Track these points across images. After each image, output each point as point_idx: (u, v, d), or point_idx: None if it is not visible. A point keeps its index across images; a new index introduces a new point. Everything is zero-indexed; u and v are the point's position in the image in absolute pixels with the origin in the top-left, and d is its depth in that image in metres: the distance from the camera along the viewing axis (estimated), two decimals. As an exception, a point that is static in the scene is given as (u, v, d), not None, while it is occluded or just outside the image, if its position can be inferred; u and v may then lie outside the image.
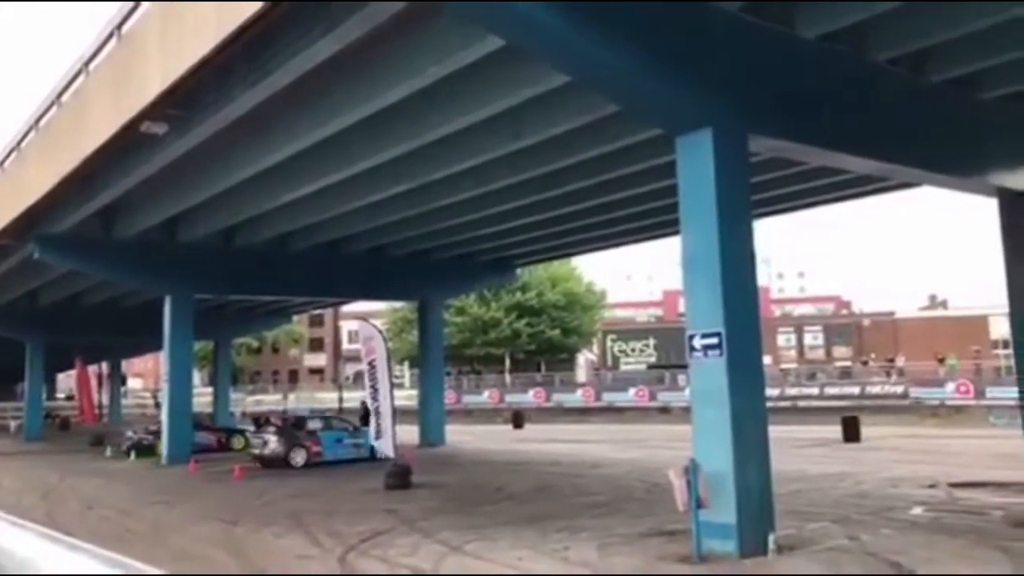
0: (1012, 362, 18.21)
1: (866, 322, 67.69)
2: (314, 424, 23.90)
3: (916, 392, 40.70)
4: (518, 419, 41.11)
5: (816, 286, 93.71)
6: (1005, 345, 39.33)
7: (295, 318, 58.16)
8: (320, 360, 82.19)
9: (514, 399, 50.22)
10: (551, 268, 57.43)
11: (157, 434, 26.86)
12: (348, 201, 20.27)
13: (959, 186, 15.73)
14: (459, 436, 31.72)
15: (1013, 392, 18.41)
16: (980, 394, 37.96)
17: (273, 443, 22.47)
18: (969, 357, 48.23)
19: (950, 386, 40.21)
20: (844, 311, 79.36)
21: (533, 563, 9.66)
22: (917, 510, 13.02)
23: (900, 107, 13.01)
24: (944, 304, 71.21)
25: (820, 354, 65.89)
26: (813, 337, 67.68)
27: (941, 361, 46.80)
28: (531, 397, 50.30)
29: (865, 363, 55.01)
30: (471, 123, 14.76)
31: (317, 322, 79.69)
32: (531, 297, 59.01)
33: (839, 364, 58.22)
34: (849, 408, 34.69)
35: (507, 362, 60.53)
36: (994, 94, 14.06)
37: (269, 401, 59.09)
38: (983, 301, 52.51)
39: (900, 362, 50.25)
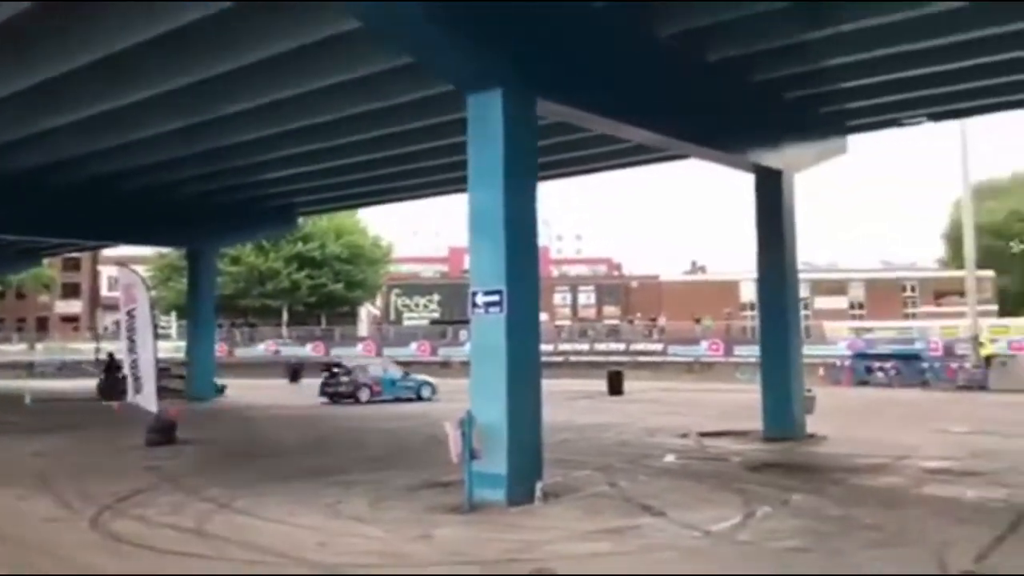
0: (757, 323, 20.15)
1: (634, 284, 72.20)
2: (375, 370, 28.97)
3: (674, 349, 44.16)
4: (295, 373, 40.16)
5: (591, 248, 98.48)
6: (752, 308, 43.60)
7: (46, 261, 52.81)
8: (75, 308, 75.45)
9: (291, 353, 48.98)
10: (336, 219, 56.13)
11: None
12: (119, 134, 18.56)
13: (723, 161, 17.06)
14: (232, 391, 30.52)
15: (757, 350, 20.48)
16: (729, 352, 41.84)
17: (344, 383, 27.78)
18: (722, 318, 52.91)
19: (704, 344, 43.99)
20: (615, 273, 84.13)
21: (304, 518, 9.51)
22: (670, 457, 14.17)
23: (677, 83, 13.83)
24: (703, 269, 77.31)
25: (592, 313, 69.60)
26: (586, 297, 71.31)
27: (698, 321, 50.96)
28: (309, 351, 49.30)
29: (631, 322, 58.80)
30: (257, 59, 13.94)
31: (72, 266, 72.85)
32: (313, 248, 57.42)
33: (608, 322, 61.86)
34: (616, 364, 37.06)
35: (285, 315, 58.77)
36: (760, 78, 15.30)
37: (13, 352, 53.46)
38: (737, 267, 57.58)
39: (662, 322, 54.20)
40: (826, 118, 17.91)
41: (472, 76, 10.74)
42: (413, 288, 71.73)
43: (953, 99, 17.17)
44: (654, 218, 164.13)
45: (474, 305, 10.63)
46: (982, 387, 30.33)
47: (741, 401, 23.00)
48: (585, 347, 46.96)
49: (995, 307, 59.04)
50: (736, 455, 14.39)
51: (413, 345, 49.01)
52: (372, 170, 22.54)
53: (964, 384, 30.91)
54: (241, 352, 49.94)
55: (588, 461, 13.49)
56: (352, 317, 63.01)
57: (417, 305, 69.27)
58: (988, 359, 32.77)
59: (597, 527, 9.06)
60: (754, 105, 15.81)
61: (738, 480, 11.97)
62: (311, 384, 35.92)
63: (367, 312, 68.56)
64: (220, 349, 39.18)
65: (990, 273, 59.59)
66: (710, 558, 7.95)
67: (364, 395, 27.29)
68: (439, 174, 22.85)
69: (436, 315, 65.91)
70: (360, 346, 50.12)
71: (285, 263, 56.98)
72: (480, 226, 10.74)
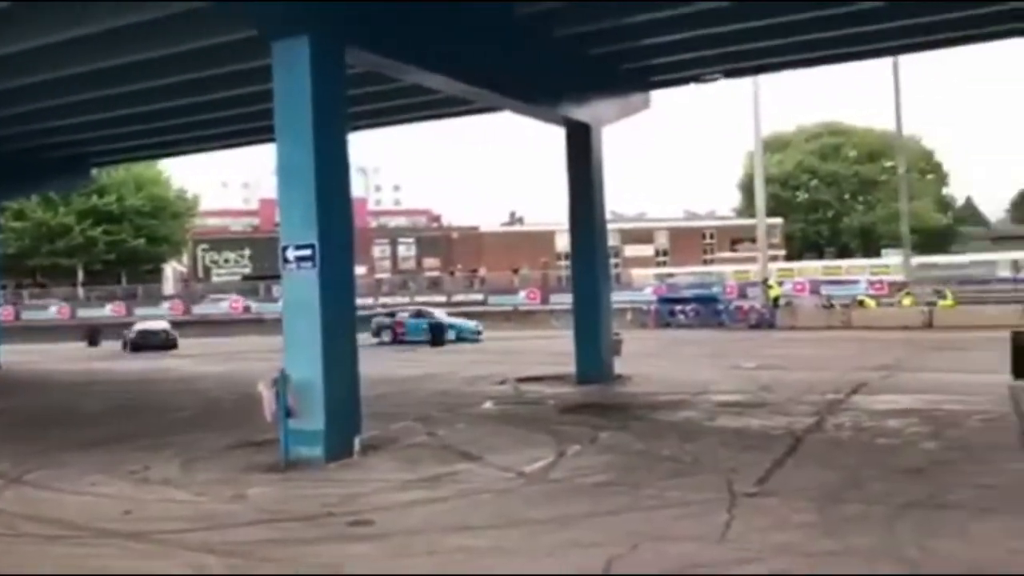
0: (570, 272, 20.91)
1: (455, 235, 72.69)
2: (402, 315, 33.41)
3: (494, 299, 45.04)
4: (93, 336, 37.57)
5: (411, 200, 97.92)
6: (567, 257, 45.10)
7: None
8: None
9: (89, 314, 45.70)
10: (135, 170, 52.44)
11: None
12: None
13: (534, 114, 17.41)
14: (20, 356, 28.16)
15: (570, 298, 21.28)
16: (546, 300, 43.21)
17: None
18: (539, 268, 54.43)
19: (522, 294, 45.15)
20: (435, 225, 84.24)
21: (108, 487, 9.04)
22: (488, 404, 14.58)
23: (485, 36, 13.88)
24: (521, 220, 78.94)
25: (412, 265, 69.52)
26: (406, 248, 71.04)
27: (516, 272, 52.17)
28: (109, 312, 46.21)
29: (452, 273, 59.30)
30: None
31: None
32: (110, 202, 53.48)
33: (429, 274, 62.06)
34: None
35: (80, 274, 54.61)
36: (565, 33, 15.64)
37: None
38: (553, 218, 59.26)
39: (482, 272, 55.05)
40: (629, 74, 18.62)
41: (277, 22, 10.31)
42: (222, 243, 68.60)
43: (746, 57, 18.30)
44: (474, 169, 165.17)
45: (285, 260, 10.36)
46: (771, 326, 33.06)
47: (557, 347, 23.81)
48: (406, 300, 46.92)
49: (783, 252, 64.39)
50: (551, 399, 15.01)
51: (224, 303, 47.04)
52: (172, 118, 21.14)
53: (755, 323, 33.55)
54: (29, 315, 46.00)
55: (408, 412, 13.61)
56: (156, 275, 59.51)
57: (227, 261, 66.39)
58: (775, 300, 35.76)
59: (415, 476, 9.22)
60: (561, 60, 16.17)
61: (552, 422, 12.52)
62: (112, 347, 33.77)
63: (173, 269, 64.96)
64: (5, 313, 35.93)
65: (779, 220, 64.76)
66: (523, 497, 8.30)
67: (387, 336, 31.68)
68: (246, 123, 21.77)
69: (247, 271, 63.52)
70: (166, 305, 47.51)
71: (78, 218, 52.78)
72: (289, 178, 10.44)
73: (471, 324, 32.89)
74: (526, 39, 14.90)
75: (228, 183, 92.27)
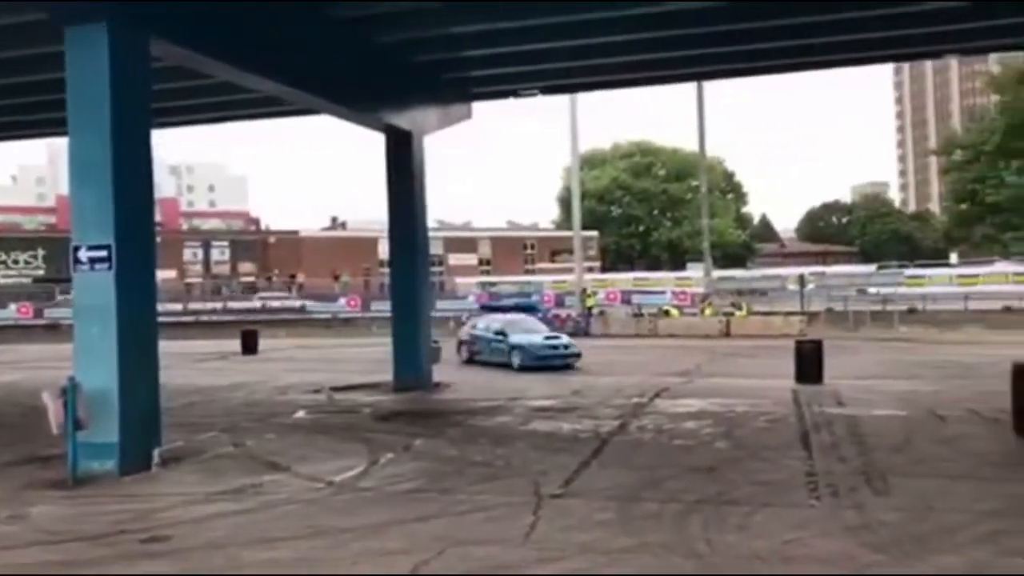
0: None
1: (272, 239, 70.33)
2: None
3: (313, 306, 43.96)
4: None
5: (227, 201, 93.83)
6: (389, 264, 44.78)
7: None
8: None
9: None
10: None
11: None
12: None
13: (354, 119, 17.19)
14: None
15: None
16: (367, 307, 42.63)
17: None
18: (361, 274, 53.71)
19: (342, 300, 44.35)
20: (252, 228, 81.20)
21: None
22: (301, 413, 14.21)
23: (304, 37, 13.56)
24: (344, 225, 77.57)
25: (226, 269, 66.60)
26: (220, 252, 67.89)
27: (337, 278, 51.22)
28: None
29: (269, 279, 57.37)
30: None
31: None
32: None
33: (245, 279, 59.70)
34: (252, 322, 35.95)
35: None
36: (387, 40, 15.56)
37: None
38: (377, 223, 58.65)
39: (301, 278, 53.63)
40: (451, 84, 18.79)
41: (71, 7, 9.62)
42: (12, 242, 62.85)
43: (563, 75, 18.96)
44: (296, 171, 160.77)
45: (77, 261, 9.67)
46: (586, 333, 34.25)
47: (376, 355, 23.55)
48: (219, 305, 44.91)
49: (599, 263, 67.10)
50: (367, 407, 14.84)
51: (12, 306, 43.10)
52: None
53: (571, 331, 34.62)
54: None
55: (214, 423, 13.03)
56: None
57: (17, 261, 60.89)
58: (590, 309, 37.15)
59: (218, 489, 8.84)
60: (383, 66, 16.08)
61: (366, 430, 12.39)
62: None
63: (-47, 269, 58.87)
64: None
65: (595, 233, 67.42)
66: (330, 507, 8.17)
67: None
68: (41, 112, 20.13)
69: (41, 272, 58.55)
70: (-57, 309, 42.94)
71: None
72: (83, 174, 9.76)
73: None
74: (347, 43, 14.70)
75: (19, 177, 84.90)
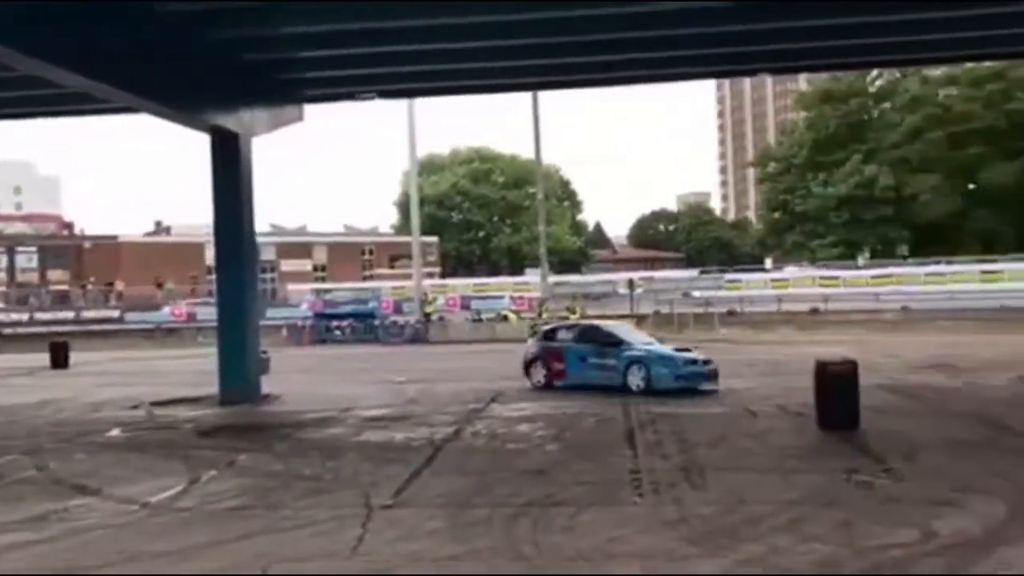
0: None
1: (88, 245, 65.62)
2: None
3: (133, 316, 41.39)
4: None
5: (36, 203, 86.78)
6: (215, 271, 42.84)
7: None
8: None
9: None
10: None
11: None
12: None
13: (176, 118, 16.35)
14: None
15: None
16: (192, 317, 40.57)
17: None
18: (187, 282, 51.11)
19: (166, 310, 42.02)
20: (65, 232, 75.51)
21: None
22: (115, 431, 13.32)
23: (120, 32, 12.70)
24: (168, 230, 73.55)
25: (35, 277, 61.49)
26: (27, 259, 62.62)
27: (160, 286, 48.48)
28: None
29: (84, 287, 53.55)
30: None
31: None
32: None
33: (56, 288, 55.34)
34: (64, 333, 33.38)
35: None
36: (214, 37, 14.88)
37: None
38: (203, 228, 55.94)
39: (120, 286, 50.38)
40: (283, 85, 18.27)
41: None
42: None
43: (400, 80, 18.85)
44: (116, 172, 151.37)
45: None
46: (424, 340, 34.17)
47: (202, 367, 22.47)
48: (25, 317, 41.48)
49: (439, 269, 67.13)
50: (189, 422, 14.11)
51: None
52: None
53: (410, 338, 34.49)
54: None
55: (15, 445, 12.00)
56: None
57: None
58: (428, 315, 37.08)
59: (16, 518, 8.13)
60: (208, 65, 15.38)
61: (187, 447, 11.78)
62: None
63: None
64: None
65: (435, 239, 67.42)
66: (144, 530, 7.69)
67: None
68: None
69: None
70: None
71: None
72: None
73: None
74: (168, 40, 13.93)
75: None
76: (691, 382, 15.70)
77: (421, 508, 8.32)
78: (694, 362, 16.14)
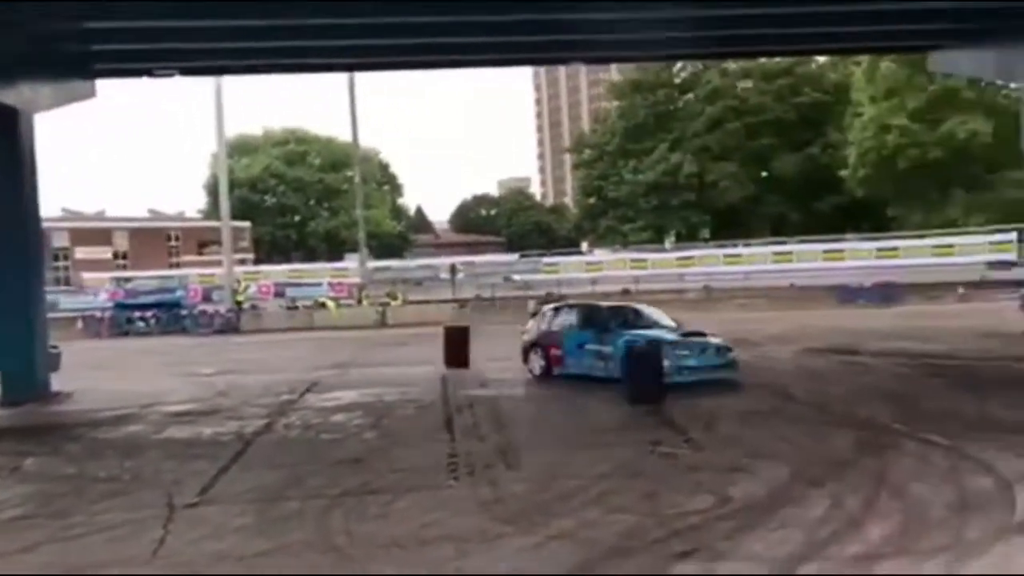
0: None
1: None
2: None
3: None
4: None
5: None
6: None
7: None
8: None
9: None
10: None
11: None
12: None
13: None
14: None
15: None
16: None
17: None
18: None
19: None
20: None
21: None
22: None
23: None
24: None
25: None
26: None
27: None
28: None
29: None
30: None
31: None
32: None
33: None
34: None
35: None
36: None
37: None
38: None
39: None
40: (70, 58, 16.78)
41: None
42: None
43: (202, 56, 17.81)
44: None
45: None
46: (236, 330, 32.78)
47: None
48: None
49: (252, 256, 64.53)
50: None
51: None
52: None
53: (220, 328, 32.97)
54: None
55: None
56: None
57: None
58: (240, 304, 35.61)
59: None
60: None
61: (-40, 454, 10.65)
62: None
63: None
64: None
65: (247, 224, 64.72)
66: (-96, 550, 6.87)
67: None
68: None
69: None
70: None
71: None
72: None
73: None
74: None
75: None
76: (716, 374, 13.48)
77: (229, 505, 7.96)
78: (716, 350, 13.85)
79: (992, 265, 33.65)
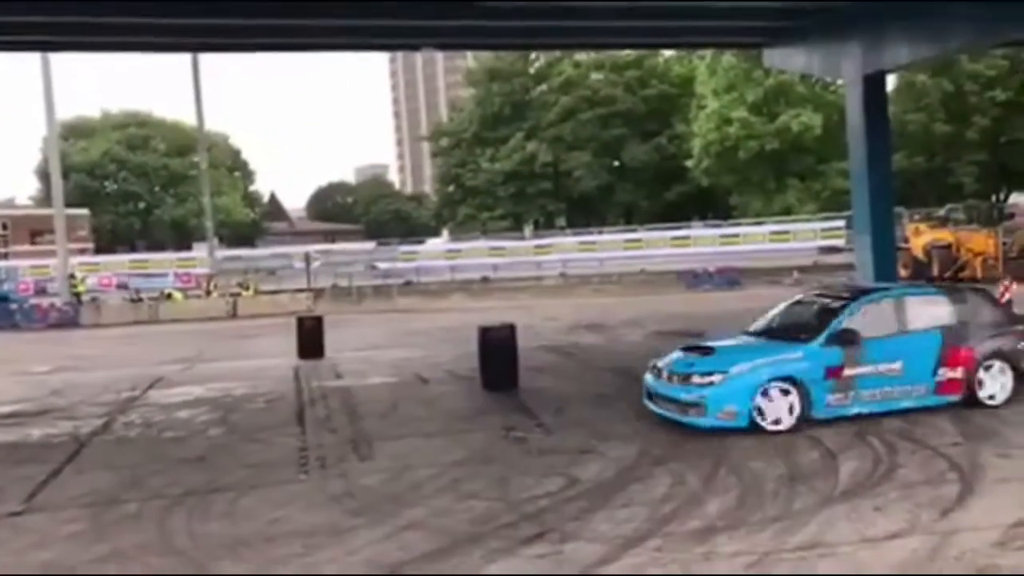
0: None
1: None
2: None
3: None
4: None
5: None
6: None
7: None
8: None
9: None
10: None
11: None
12: None
13: None
14: None
15: None
16: None
17: None
18: None
19: None
20: None
21: None
22: None
23: None
24: None
25: None
26: None
27: None
28: None
29: None
30: None
31: None
32: None
33: None
34: None
35: None
36: None
37: None
38: None
39: None
40: None
41: None
42: None
43: (26, 30, 16.49)
44: None
45: None
46: (74, 324, 30.77)
47: None
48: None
49: (92, 245, 60.68)
50: None
51: None
52: None
53: (56, 323, 30.85)
54: None
55: None
56: None
57: None
58: (78, 295, 33.45)
59: None
60: None
61: None
62: None
63: None
64: None
65: (85, 212, 60.80)
66: None
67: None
68: None
69: None
70: None
71: None
72: None
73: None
74: None
75: None
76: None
77: (59, 511, 7.49)
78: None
79: (823, 250, 36.04)
